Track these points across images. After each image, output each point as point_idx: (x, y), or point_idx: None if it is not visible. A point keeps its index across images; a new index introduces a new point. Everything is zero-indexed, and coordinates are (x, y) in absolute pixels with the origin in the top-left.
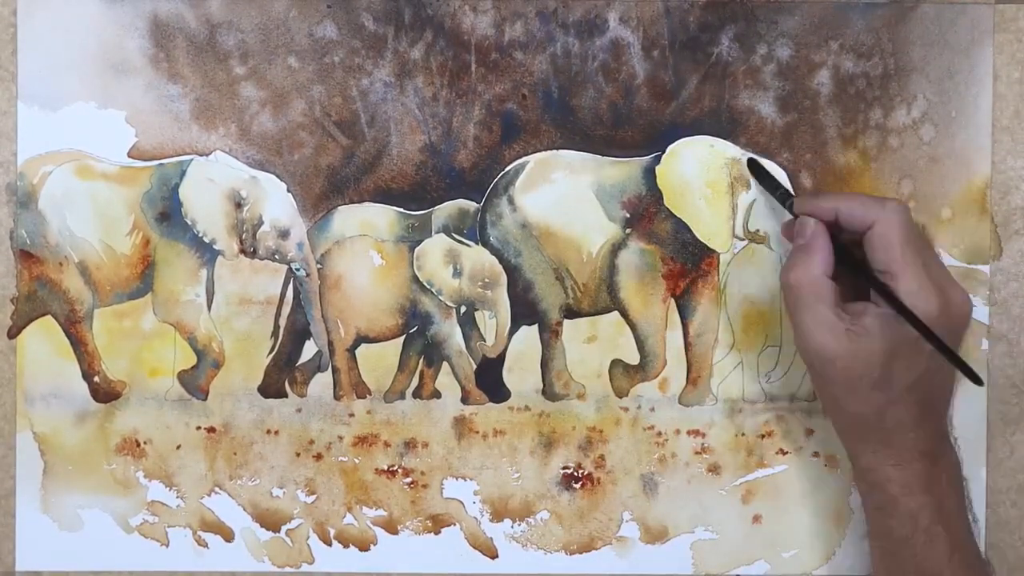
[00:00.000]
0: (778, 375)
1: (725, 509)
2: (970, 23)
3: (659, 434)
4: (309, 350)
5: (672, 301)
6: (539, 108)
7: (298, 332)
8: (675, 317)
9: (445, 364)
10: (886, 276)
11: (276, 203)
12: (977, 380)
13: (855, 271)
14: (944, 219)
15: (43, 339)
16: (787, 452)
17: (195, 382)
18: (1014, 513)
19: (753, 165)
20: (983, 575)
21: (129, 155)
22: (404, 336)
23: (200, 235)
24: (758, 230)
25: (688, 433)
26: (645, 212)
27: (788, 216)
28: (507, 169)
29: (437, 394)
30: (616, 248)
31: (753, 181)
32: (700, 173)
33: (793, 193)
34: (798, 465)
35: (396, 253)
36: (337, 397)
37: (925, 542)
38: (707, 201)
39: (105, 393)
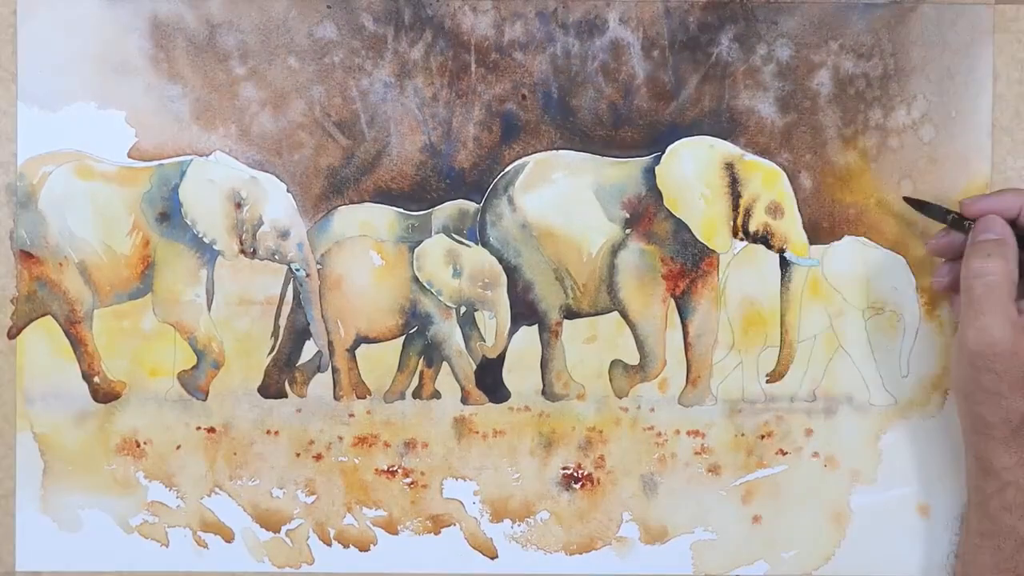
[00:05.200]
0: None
1: (725, 509)
2: (970, 23)
3: (659, 434)
4: (309, 350)
5: (672, 301)
6: (539, 108)
7: (298, 332)
8: (675, 317)
9: (445, 364)
10: None
11: (276, 203)
12: None
13: None
14: None
15: (43, 339)
16: (787, 452)
17: (195, 382)
18: None
19: (912, 202)
20: None
21: (129, 155)
22: (404, 336)
23: (200, 235)
24: (758, 230)
25: (688, 433)
26: (645, 212)
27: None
28: (507, 169)
29: (437, 394)
30: (616, 248)
31: (920, 215)
32: (700, 173)
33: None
34: (798, 465)
35: (396, 253)
36: (337, 397)
37: None
38: (707, 201)
39: (105, 393)
